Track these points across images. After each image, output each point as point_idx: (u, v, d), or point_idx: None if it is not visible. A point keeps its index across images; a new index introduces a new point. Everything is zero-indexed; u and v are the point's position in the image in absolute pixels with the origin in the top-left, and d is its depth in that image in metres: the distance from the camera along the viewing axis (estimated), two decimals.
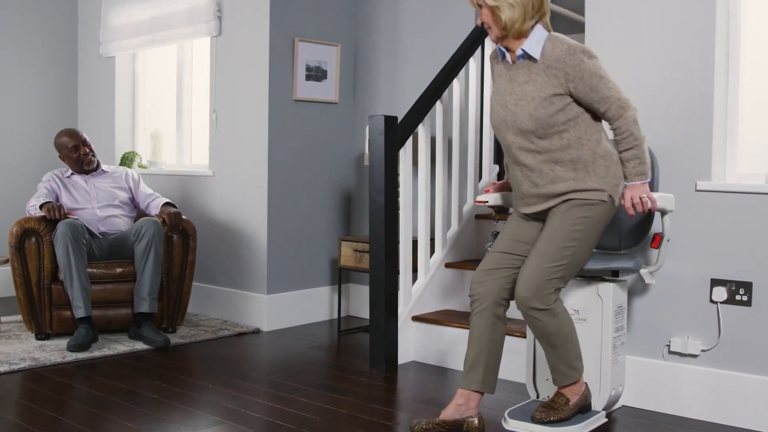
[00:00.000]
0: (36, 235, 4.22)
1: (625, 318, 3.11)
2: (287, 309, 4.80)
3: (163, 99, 5.74)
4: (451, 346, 3.84)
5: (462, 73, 4.15)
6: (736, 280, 3.01)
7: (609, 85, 2.64)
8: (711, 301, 3.08)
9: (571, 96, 2.65)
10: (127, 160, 5.63)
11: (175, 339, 4.34)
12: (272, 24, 4.64)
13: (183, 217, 4.53)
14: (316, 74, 4.88)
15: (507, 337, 3.52)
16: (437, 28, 4.71)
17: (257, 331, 4.65)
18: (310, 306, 4.93)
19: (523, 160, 2.73)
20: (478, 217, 4.37)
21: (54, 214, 4.22)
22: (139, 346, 4.19)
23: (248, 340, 4.45)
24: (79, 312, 4.11)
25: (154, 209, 4.58)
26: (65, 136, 4.57)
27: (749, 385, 2.97)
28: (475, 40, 4.14)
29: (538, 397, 3.15)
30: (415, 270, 4.07)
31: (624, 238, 3.12)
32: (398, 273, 3.88)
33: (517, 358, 3.54)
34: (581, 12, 3.79)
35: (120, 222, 4.55)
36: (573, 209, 2.68)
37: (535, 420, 2.80)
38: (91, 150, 4.63)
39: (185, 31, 5.06)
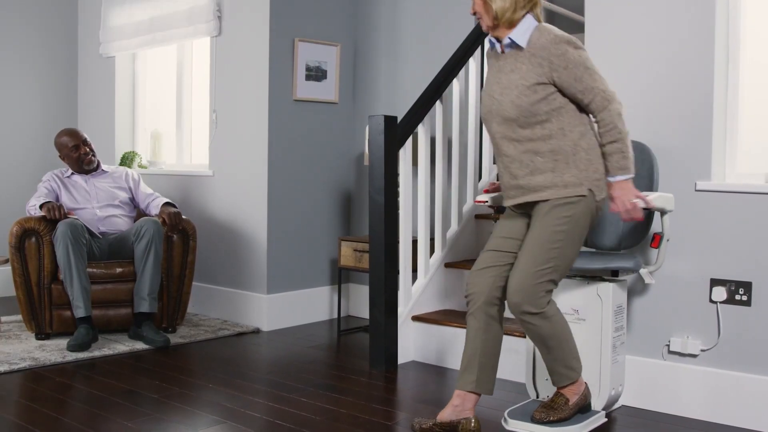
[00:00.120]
0: (36, 235, 4.23)
1: (624, 318, 3.11)
2: (287, 309, 4.80)
3: (163, 99, 5.74)
4: (450, 346, 3.84)
5: (462, 73, 4.15)
6: (736, 279, 3.01)
7: (594, 77, 2.62)
8: (711, 300, 3.08)
9: (556, 86, 2.64)
10: (127, 160, 5.64)
11: (175, 339, 4.35)
12: (272, 24, 4.64)
13: (183, 216, 4.53)
14: (316, 74, 4.88)
15: (507, 337, 3.52)
16: (437, 28, 4.71)
17: (257, 331, 4.65)
18: (310, 306, 4.93)
19: (505, 150, 2.73)
20: (477, 216, 4.37)
21: (54, 213, 4.22)
22: (139, 345, 4.19)
23: (248, 339, 4.45)
24: (79, 312, 4.11)
25: (154, 209, 4.59)
26: (65, 136, 4.58)
27: (749, 385, 2.97)
28: (474, 40, 4.14)
29: (537, 397, 3.15)
30: (414, 270, 4.07)
31: (624, 238, 3.12)
32: (398, 273, 3.88)
33: (517, 358, 3.54)
34: (581, 12, 3.79)
35: (120, 222, 4.56)
36: (554, 210, 2.66)
37: (534, 420, 2.80)
38: (92, 150, 4.63)
39: (185, 31, 5.06)
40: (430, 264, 4.10)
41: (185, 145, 5.46)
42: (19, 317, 4.81)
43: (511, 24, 2.68)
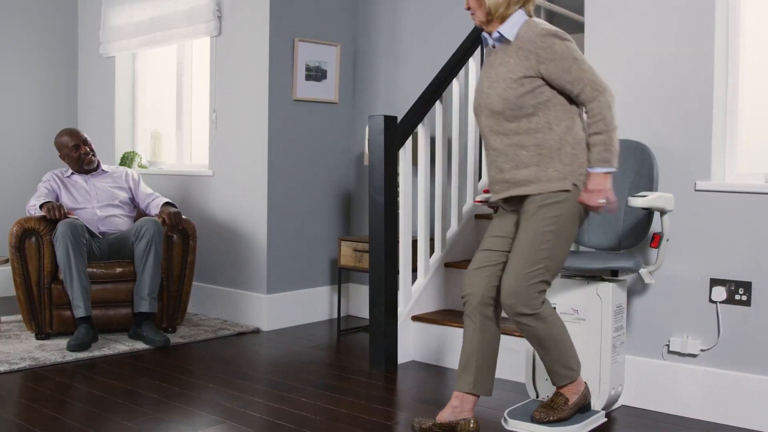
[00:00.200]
0: (36, 235, 4.23)
1: (624, 318, 3.11)
2: (287, 309, 4.80)
3: (163, 99, 5.74)
4: (450, 346, 3.84)
5: (462, 72, 4.16)
6: (736, 279, 3.01)
7: (583, 67, 2.60)
8: (710, 300, 3.08)
9: (543, 79, 2.63)
10: (127, 160, 5.64)
11: (175, 339, 4.35)
12: (272, 24, 4.64)
13: (183, 216, 4.53)
14: (316, 74, 4.88)
15: (506, 337, 3.53)
16: (437, 28, 4.71)
17: (257, 331, 4.66)
18: (309, 306, 4.94)
19: (492, 143, 2.73)
20: (477, 216, 4.37)
21: (54, 213, 4.22)
22: (139, 345, 4.19)
23: (248, 339, 4.45)
24: (79, 312, 4.11)
25: (154, 209, 4.59)
26: (66, 136, 4.58)
27: (748, 385, 2.98)
28: (474, 40, 4.15)
29: (537, 397, 3.15)
30: (414, 270, 4.07)
31: (623, 238, 3.12)
32: (398, 273, 3.88)
33: (517, 358, 3.54)
34: (581, 12, 3.79)
35: (120, 222, 4.56)
36: (542, 210, 2.64)
37: (534, 420, 2.80)
38: (92, 149, 4.63)
39: (185, 31, 5.06)
40: (429, 264, 4.10)
41: (185, 145, 5.46)
42: (19, 317, 4.81)
43: (504, 19, 2.70)
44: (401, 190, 3.91)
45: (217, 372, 3.73)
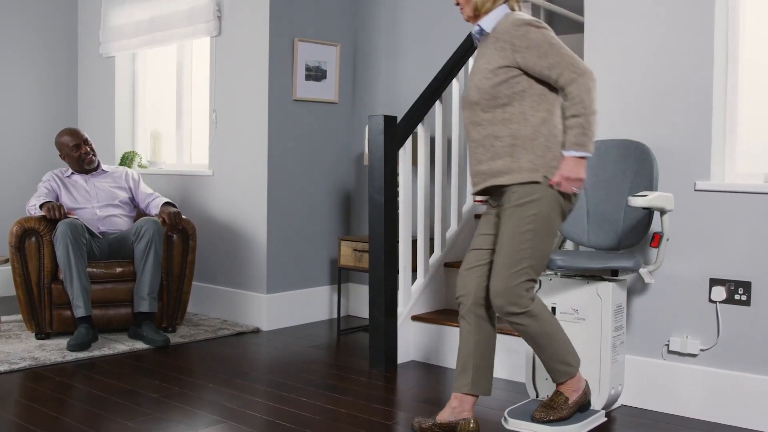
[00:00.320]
0: (36, 235, 4.23)
1: (624, 317, 3.11)
2: (287, 308, 4.80)
3: (163, 99, 5.74)
4: (450, 346, 3.84)
5: (461, 72, 4.16)
6: (735, 279, 3.01)
7: (561, 51, 2.59)
8: (710, 300, 3.08)
9: (521, 69, 2.63)
10: (127, 160, 5.64)
11: (174, 338, 4.35)
12: (272, 24, 4.65)
13: (183, 216, 4.53)
14: (316, 74, 4.88)
15: (506, 337, 3.53)
16: (437, 28, 4.71)
17: (257, 331, 4.66)
18: (309, 305, 4.94)
19: (471, 134, 2.75)
20: (477, 216, 4.37)
21: (54, 213, 4.22)
22: (139, 345, 4.20)
23: (248, 339, 4.45)
24: (79, 311, 4.11)
25: (154, 209, 4.59)
26: (66, 135, 4.58)
27: (748, 385, 2.98)
28: None
29: (537, 397, 3.15)
30: (414, 270, 4.08)
31: (623, 238, 3.12)
32: (398, 272, 3.88)
33: (517, 358, 3.54)
34: (581, 12, 3.79)
35: (120, 222, 4.56)
36: (519, 210, 2.63)
37: (534, 419, 2.80)
38: (92, 149, 4.64)
39: (185, 31, 5.06)
40: (429, 264, 4.10)
41: (185, 145, 5.46)
42: (19, 317, 4.82)
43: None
44: (401, 189, 3.91)
45: (217, 372, 3.73)
